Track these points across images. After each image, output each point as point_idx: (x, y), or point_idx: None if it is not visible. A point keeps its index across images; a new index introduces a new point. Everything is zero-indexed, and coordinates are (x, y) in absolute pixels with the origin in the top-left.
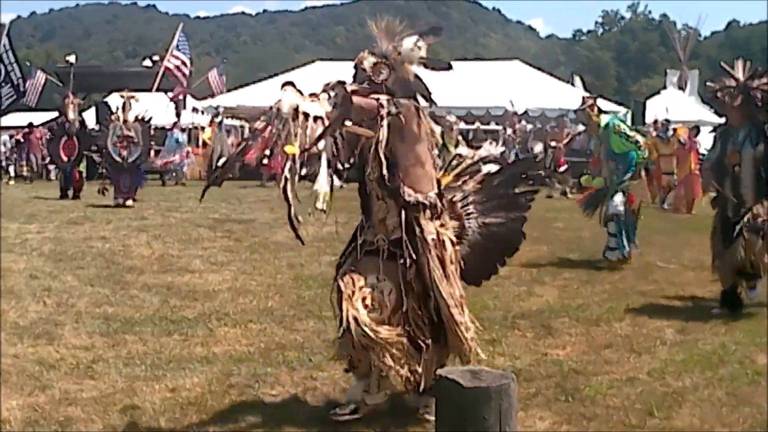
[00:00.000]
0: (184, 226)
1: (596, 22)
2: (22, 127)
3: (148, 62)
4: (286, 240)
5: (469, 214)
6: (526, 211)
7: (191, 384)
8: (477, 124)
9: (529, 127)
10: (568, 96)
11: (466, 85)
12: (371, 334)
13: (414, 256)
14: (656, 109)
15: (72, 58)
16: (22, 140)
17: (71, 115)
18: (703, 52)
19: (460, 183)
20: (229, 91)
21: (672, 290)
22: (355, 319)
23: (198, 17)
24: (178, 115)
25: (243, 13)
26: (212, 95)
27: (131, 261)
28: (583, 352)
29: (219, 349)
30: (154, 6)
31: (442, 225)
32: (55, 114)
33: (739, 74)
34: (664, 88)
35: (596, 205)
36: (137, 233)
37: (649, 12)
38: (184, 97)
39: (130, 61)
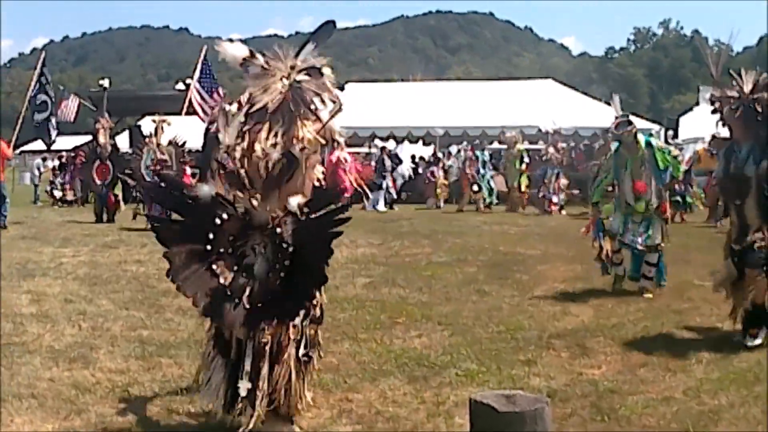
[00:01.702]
0: None
1: (628, 39)
2: (63, 151)
3: (180, 85)
4: None
5: None
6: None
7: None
8: (495, 143)
9: (572, 145)
10: (602, 114)
11: (499, 105)
12: None
13: None
14: (689, 125)
15: (106, 83)
16: (66, 163)
17: (102, 139)
18: (735, 67)
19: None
20: None
21: (707, 308)
22: None
23: (230, 39)
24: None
25: (276, 35)
26: None
27: (166, 284)
28: (619, 372)
29: None
30: (186, 29)
31: None
32: (88, 138)
33: (745, 85)
34: (697, 104)
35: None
36: None
37: (681, 28)
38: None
39: (163, 84)
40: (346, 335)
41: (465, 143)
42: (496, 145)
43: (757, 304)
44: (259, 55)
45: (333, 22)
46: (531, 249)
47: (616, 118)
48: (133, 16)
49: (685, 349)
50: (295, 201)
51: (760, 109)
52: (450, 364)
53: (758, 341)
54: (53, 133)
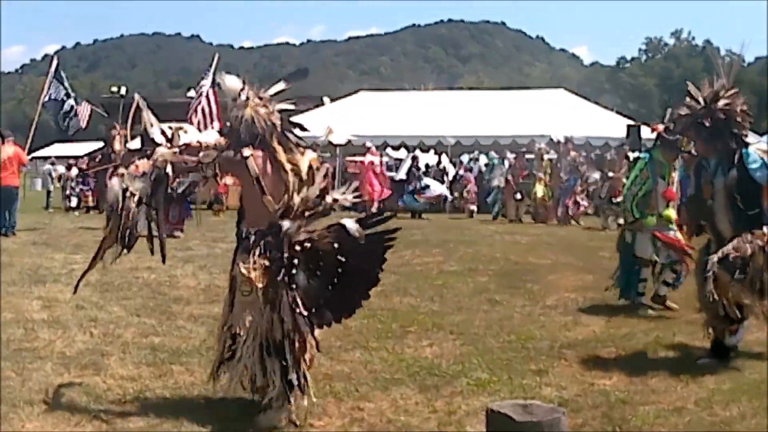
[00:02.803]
0: (229, 257)
1: (640, 49)
2: (72, 157)
3: (192, 93)
4: None
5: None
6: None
7: (237, 414)
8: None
9: (584, 154)
10: (613, 124)
11: (510, 114)
12: None
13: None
14: None
15: (123, 90)
16: (85, 169)
17: (117, 146)
18: (746, 77)
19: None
20: None
21: None
22: None
23: (242, 47)
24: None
25: (287, 43)
26: None
27: (177, 291)
28: (630, 382)
29: None
30: (198, 36)
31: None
32: (99, 144)
33: (703, 95)
34: None
35: None
36: (183, 264)
37: (693, 38)
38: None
39: (174, 92)
40: (358, 344)
41: (492, 152)
42: (509, 154)
43: (725, 306)
44: (246, 87)
45: (306, 70)
46: (542, 258)
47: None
48: (144, 23)
49: (696, 359)
50: (351, 223)
51: (723, 118)
52: (461, 373)
53: (737, 337)
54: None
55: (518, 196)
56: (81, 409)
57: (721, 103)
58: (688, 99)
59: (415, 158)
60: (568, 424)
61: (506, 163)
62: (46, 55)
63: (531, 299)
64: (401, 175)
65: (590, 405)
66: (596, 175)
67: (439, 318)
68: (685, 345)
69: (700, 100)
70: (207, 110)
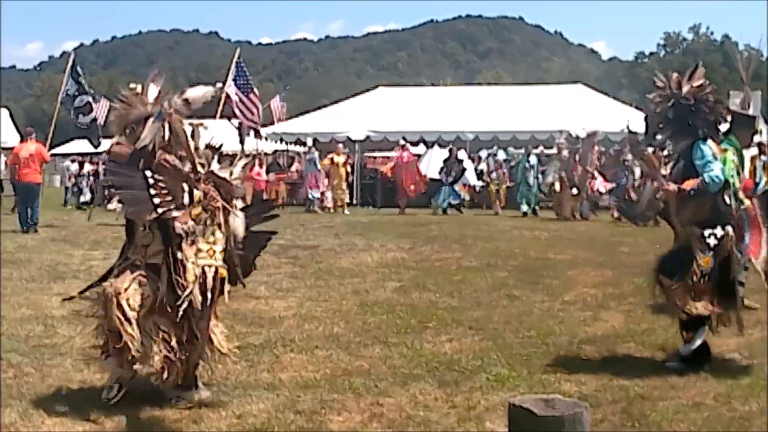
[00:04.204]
0: None
1: (658, 44)
2: (86, 154)
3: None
4: (351, 266)
5: None
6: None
7: (257, 410)
8: (540, 148)
9: (603, 150)
10: (632, 120)
11: (529, 110)
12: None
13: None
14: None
15: (139, 88)
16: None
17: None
18: (765, 72)
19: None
20: (290, 118)
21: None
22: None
23: (260, 44)
24: (242, 141)
25: (305, 39)
26: (274, 122)
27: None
28: (649, 377)
29: (285, 376)
30: (216, 33)
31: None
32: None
33: (670, 82)
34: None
35: None
36: None
37: (711, 33)
38: (252, 128)
39: None
40: (377, 339)
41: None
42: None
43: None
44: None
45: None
46: (561, 254)
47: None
48: (162, 19)
49: (715, 354)
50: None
51: (691, 104)
52: (480, 368)
53: (691, 346)
54: (100, 134)
55: (575, 191)
56: (101, 406)
57: (685, 89)
58: (658, 87)
59: (451, 151)
60: None
61: (534, 159)
62: (64, 52)
63: (550, 295)
64: (423, 169)
65: (609, 400)
66: (638, 171)
67: (458, 313)
68: (704, 341)
69: (660, 84)
70: (238, 101)
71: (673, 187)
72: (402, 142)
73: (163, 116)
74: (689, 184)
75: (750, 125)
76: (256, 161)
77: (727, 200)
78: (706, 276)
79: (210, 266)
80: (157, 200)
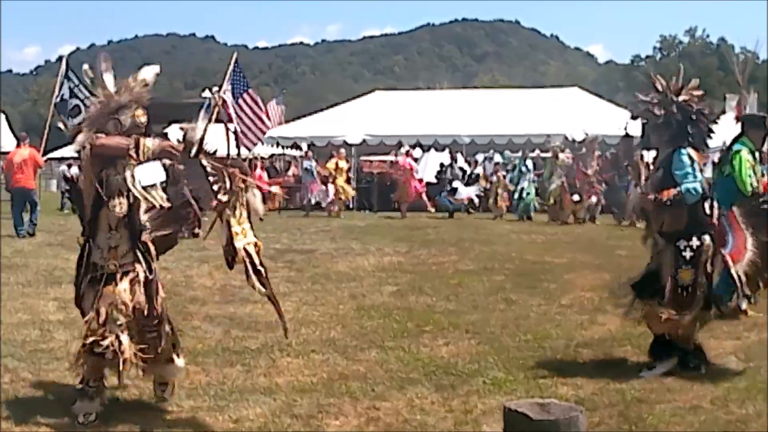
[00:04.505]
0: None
1: (654, 47)
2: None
3: (207, 93)
4: (348, 270)
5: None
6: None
7: (254, 415)
8: (537, 151)
9: (599, 153)
10: (629, 123)
11: (525, 113)
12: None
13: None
14: (716, 133)
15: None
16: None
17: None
18: (761, 75)
19: None
20: (287, 122)
21: (735, 317)
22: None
23: (257, 48)
24: (237, 146)
25: (302, 43)
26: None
27: (193, 292)
28: (646, 381)
29: (282, 380)
30: (212, 37)
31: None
32: None
33: (668, 87)
34: (723, 112)
35: None
36: (199, 264)
37: (707, 36)
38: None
39: (189, 92)
40: (374, 343)
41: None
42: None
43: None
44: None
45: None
46: (558, 257)
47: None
48: (159, 23)
49: (712, 358)
50: None
51: (683, 114)
52: (477, 372)
53: (656, 372)
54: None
55: (576, 197)
56: (97, 411)
57: (682, 97)
58: (658, 90)
59: (453, 159)
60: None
61: (530, 163)
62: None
63: (547, 298)
64: (419, 174)
65: (606, 404)
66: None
67: (455, 317)
68: (700, 344)
69: (660, 88)
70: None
71: (650, 196)
72: (406, 148)
73: (212, 106)
74: (666, 194)
75: (761, 125)
76: (257, 164)
77: (707, 209)
78: (688, 288)
79: (249, 244)
80: (215, 187)
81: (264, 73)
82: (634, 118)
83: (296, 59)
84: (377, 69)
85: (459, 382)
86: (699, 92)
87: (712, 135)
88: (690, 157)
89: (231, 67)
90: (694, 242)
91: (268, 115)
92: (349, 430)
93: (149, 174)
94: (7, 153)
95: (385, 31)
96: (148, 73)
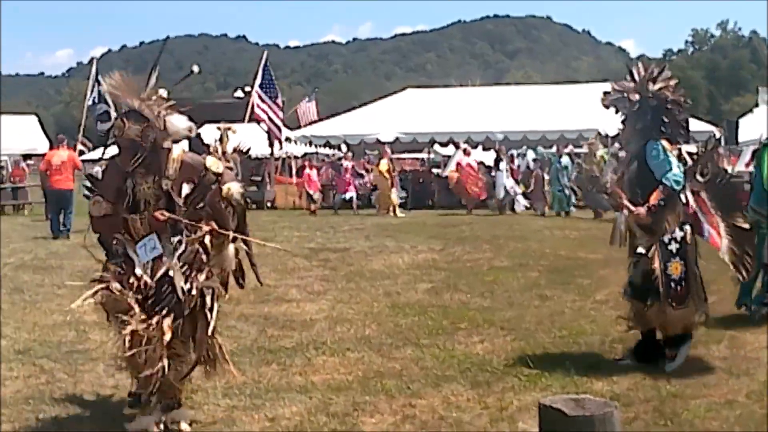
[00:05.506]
0: (279, 256)
1: (686, 41)
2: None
3: (239, 93)
4: (383, 268)
5: None
6: None
7: (290, 413)
8: (570, 147)
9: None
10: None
11: (558, 109)
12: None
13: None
14: (749, 127)
15: (164, 92)
16: None
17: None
18: None
19: None
20: (320, 120)
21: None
22: None
23: (288, 47)
24: (271, 145)
25: (333, 42)
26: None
27: (228, 291)
28: (681, 376)
29: (317, 378)
30: (244, 37)
31: None
32: None
33: (639, 77)
34: (757, 105)
35: None
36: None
37: (739, 29)
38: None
39: (222, 92)
40: (409, 341)
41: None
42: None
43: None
44: None
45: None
46: (592, 253)
47: None
48: (190, 24)
49: (747, 352)
50: None
51: (651, 98)
52: (512, 369)
53: (675, 363)
54: (100, 131)
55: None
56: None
57: (656, 86)
58: (627, 77)
59: (498, 159)
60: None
61: (566, 159)
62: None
63: (582, 294)
64: (447, 172)
65: (642, 399)
66: None
67: (489, 314)
68: (736, 338)
69: (636, 77)
70: (264, 106)
71: (641, 210)
72: (464, 146)
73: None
74: (655, 198)
75: None
76: (307, 163)
77: (683, 199)
78: (682, 281)
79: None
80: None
81: (296, 73)
82: (606, 106)
83: (328, 58)
84: (409, 67)
85: (494, 379)
86: (673, 81)
87: (686, 124)
88: (662, 146)
89: (261, 66)
90: (678, 234)
91: (279, 117)
92: (384, 427)
93: (148, 250)
94: (42, 155)
95: (417, 28)
96: (152, 81)
